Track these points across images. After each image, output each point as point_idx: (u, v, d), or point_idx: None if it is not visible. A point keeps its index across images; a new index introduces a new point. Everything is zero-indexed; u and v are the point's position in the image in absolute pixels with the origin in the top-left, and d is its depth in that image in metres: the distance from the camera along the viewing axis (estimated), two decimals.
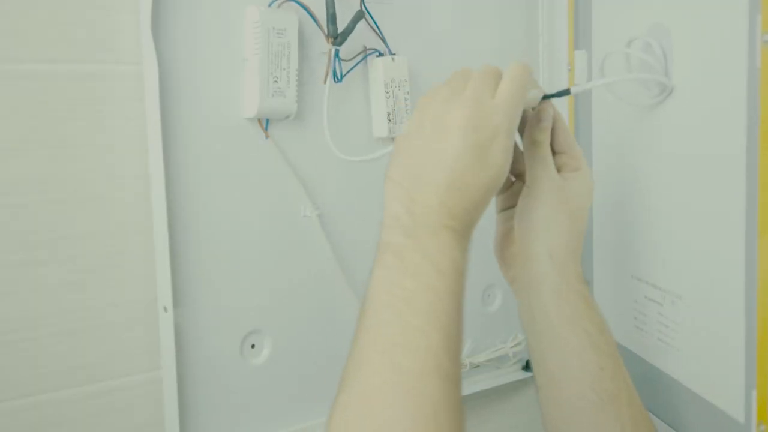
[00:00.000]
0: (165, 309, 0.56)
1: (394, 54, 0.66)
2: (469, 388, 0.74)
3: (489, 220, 0.74)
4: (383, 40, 0.66)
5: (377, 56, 0.65)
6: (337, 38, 0.61)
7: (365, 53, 0.65)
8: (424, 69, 0.69)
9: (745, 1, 0.47)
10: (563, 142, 0.52)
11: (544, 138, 0.51)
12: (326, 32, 0.61)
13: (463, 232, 0.44)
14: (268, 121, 0.61)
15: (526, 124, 0.52)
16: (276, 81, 0.59)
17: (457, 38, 0.71)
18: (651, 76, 0.55)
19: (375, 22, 0.65)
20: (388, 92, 0.65)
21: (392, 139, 0.67)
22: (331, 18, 0.60)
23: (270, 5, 0.59)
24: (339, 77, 0.62)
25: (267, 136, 0.61)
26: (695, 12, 0.52)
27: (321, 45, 0.62)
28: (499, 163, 0.44)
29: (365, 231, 0.67)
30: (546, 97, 0.52)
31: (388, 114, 0.65)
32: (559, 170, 0.51)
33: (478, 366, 0.73)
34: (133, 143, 0.57)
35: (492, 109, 0.44)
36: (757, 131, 0.46)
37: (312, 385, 0.65)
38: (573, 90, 0.54)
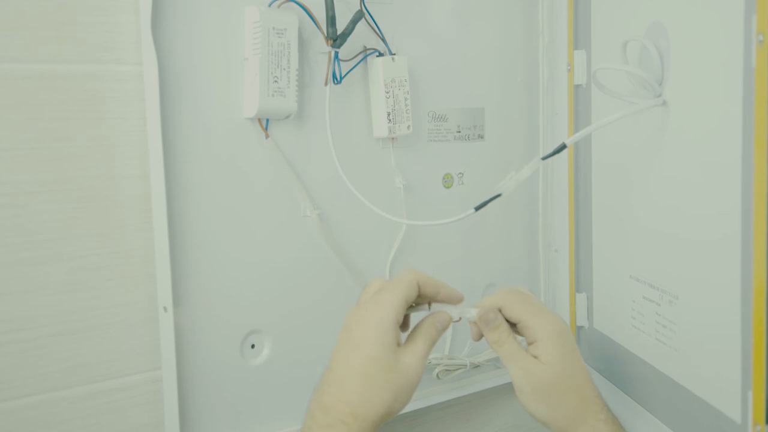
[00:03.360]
0: (165, 309, 0.56)
1: (394, 54, 0.66)
2: (469, 388, 0.74)
3: (489, 221, 0.75)
4: (383, 40, 0.66)
5: (377, 56, 0.65)
6: (336, 40, 0.61)
7: (365, 53, 0.65)
8: (424, 69, 0.69)
9: (742, 1, 0.47)
10: (518, 318, 0.54)
11: (499, 336, 0.53)
12: (326, 35, 0.61)
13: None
14: (268, 121, 0.61)
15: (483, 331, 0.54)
16: (276, 81, 0.59)
17: (457, 38, 0.71)
18: (643, 105, 0.56)
19: (375, 22, 0.65)
20: (388, 92, 0.65)
21: (392, 138, 0.67)
22: (331, 20, 0.60)
23: (270, 5, 0.60)
24: (338, 79, 0.62)
25: (267, 136, 0.61)
26: (694, 11, 0.53)
27: (321, 45, 0.62)
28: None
29: (365, 231, 0.67)
30: (545, 158, 0.58)
31: (388, 114, 0.65)
32: (525, 336, 0.54)
33: (478, 366, 0.73)
34: (133, 143, 0.57)
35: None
36: (753, 131, 0.46)
37: (312, 385, 0.65)
38: (568, 141, 0.59)
